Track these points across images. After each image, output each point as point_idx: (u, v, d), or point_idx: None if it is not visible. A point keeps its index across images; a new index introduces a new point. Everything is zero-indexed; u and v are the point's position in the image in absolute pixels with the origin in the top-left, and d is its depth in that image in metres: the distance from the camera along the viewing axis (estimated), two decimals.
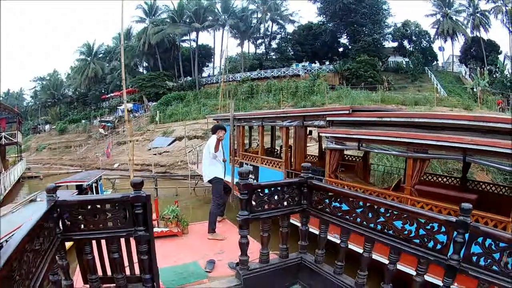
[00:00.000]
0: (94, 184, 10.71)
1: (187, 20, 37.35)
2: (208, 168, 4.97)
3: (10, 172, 15.60)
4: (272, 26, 39.85)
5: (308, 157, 9.24)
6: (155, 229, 4.66)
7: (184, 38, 40.20)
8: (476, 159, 4.05)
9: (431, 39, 35.39)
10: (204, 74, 44.00)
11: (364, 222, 2.36)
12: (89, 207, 2.28)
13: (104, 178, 14.81)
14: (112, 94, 40.48)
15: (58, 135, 37.72)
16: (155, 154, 22.45)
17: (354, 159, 8.16)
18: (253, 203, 2.54)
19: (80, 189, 10.67)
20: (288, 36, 39.50)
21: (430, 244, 2.03)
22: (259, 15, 38.27)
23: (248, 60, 38.69)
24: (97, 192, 11.10)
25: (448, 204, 4.31)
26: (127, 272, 2.52)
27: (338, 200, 2.53)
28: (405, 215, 2.14)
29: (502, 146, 3.69)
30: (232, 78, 35.47)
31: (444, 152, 4.34)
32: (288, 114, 7.43)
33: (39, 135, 42.13)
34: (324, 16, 36.21)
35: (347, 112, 5.73)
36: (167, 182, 16.17)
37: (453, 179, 6.44)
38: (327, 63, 36.33)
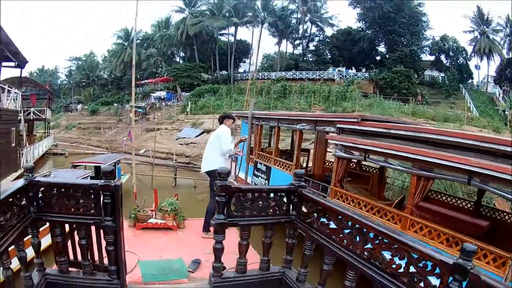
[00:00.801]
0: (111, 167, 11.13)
1: (226, 14, 38.08)
2: (218, 159, 4.71)
3: (35, 147, 16.54)
4: (311, 28, 39.94)
5: (327, 163, 9.10)
6: (150, 220, 4.71)
7: (223, 32, 40.87)
8: (481, 184, 3.89)
9: (468, 56, 34.70)
10: (240, 70, 44.47)
11: (351, 246, 2.12)
12: (62, 190, 2.29)
13: (124, 163, 15.42)
14: (146, 81, 41.95)
15: (89, 115, 39.67)
16: (181, 144, 23.06)
17: (370, 170, 7.99)
18: (233, 207, 2.41)
19: (98, 171, 11.19)
20: (326, 39, 39.46)
21: (421, 285, 1.73)
22: (299, 16, 38.43)
23: (284, 59, 38.90)
24: (113, 176, 11.52)
25: (455, 229, 4.20)
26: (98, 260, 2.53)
27: (327, 216, 2.34)
28: (395, 246, 1.85)
29: (507, 172, 3.46)
30: (267, 76, 35.80)
31: (448, 173, 4.21)
32: (302, 118, 7.57)
33: (70, 113, 44.37)
34: (363, 22, 36.29)
35: (356, 120, 5.76)
36: (188, 173, 16.55)
37: (467, 202, 6.22)
38: (364, 70, 36.10)
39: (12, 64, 13.02)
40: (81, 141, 32.50)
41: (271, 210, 2.60)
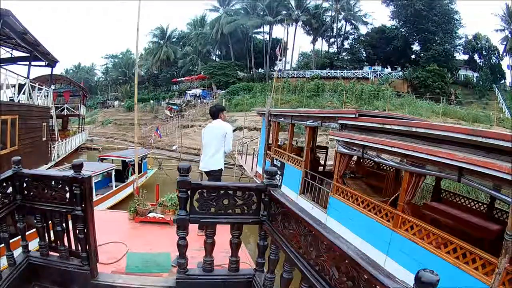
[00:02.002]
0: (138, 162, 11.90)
1: (260, 13, 38.71)
2: (223, 158, 4.70)
3: (67, 141, 17.91)
4: (345, 26, 40.03)
5: (350, 162, 9.22)
6: (150, 214, 4.98)
7: (258, 30, 41.49)
8: (470, 181, 3.81)
9: (500, 55, 33.56)
10: (276, 68, 44.71)
11: (305, 255, 1.96)
12: (41, 181, 2.58)
13: (152, 157, 16.29)
14: (182, 78, 43.53)
15: (125, 111, 41.84)
16: None
17: (387, 168, 8.03)
18: (196, 203, 2.48)
19: (124, 164, 11.98)
20: (361, 38, 39.38)
21: None
22: (332, 14, 38.56)
23: (320, 58, 38.96)
24: (140, 169, 12.30)
25: (464, 232, 4.25)
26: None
27: (288, 219, 2.34)
28: (346, 261, 1.54)
29: (496, 169, 3.37)
30: (302, 74, 35.85)
31: (437, 169, 4.24)
32: (310, 114, 7.89)
33: (107, 109, 47.03)
34: (397, 20, 36.35)
35: (353, 116, 5.97)
36: None
37: (480, 204, 6.11)
38: (399, 69, 35.91)
39: (43, 63, 14.19)
40: (116, 136, 34.52)
41: (239, 209, 2.59)
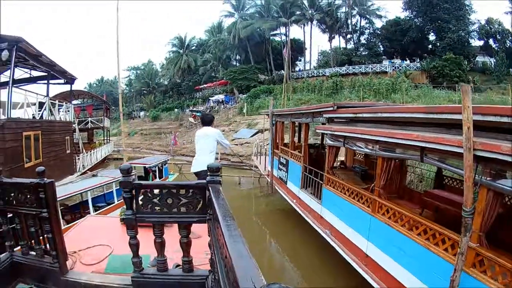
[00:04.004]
0: (158, 167, 12.65)
1: (275, 15, 39.21)
2: (211, 159, 5.08)
3: (92, 153, 19.10)
4: (360, 21, 40.05)
5: (357, 155, 9.67)
6: None
7: (275, 32, 42.06)
8: (431, 160, 3.83)
9: None
10: (297, 68, 44.93)
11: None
12: (16, 187, 3.04)
13: (172, 163, 17.14)
14: (204, 85, 44.64)
15: (150, 121, 43.56)
16: (236, 145, 24.48)
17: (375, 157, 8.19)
18: (141, 203, 2.63)
19: (146, 170, 12.82)
20: (377, 32, 39.26)
21: None
22: (346, 10, 38.71)
23: (338, 55, 39.03)
24: (161, 175, 13.08)
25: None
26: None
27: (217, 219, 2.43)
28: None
29: (450, 143, 3.37)
30: (321, 73, 35.76)
31: (402, 151, 4.27)
32: (304, 111, 8.28)
33: (132, 120, 49.08)
34: (409, 11, 36.40)
35: (332, 108, 6.28)
36: (235, 170, 18.24)
37: None
38: (417, 60, 35.40)
39: (61, 81, 15.37)
40: (142, 146, 35.99)
41: (185, 207, 2.66)
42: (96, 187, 9.39)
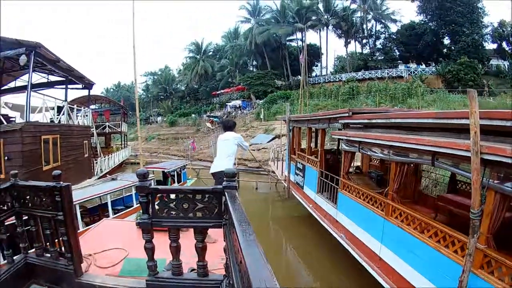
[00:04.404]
0: (177, 172, 12.85)
1: (290, 20, 39.28)
2: (229, 162, 5.15)
3: (110, 157, 19.39)
4: (375, 26, 39.93)
5: (373, 161, 9.76)
6: None
7: (291, 38, 42.06)
8: (442, 164, 3.97)
9: None
10: (313, 74, 44.81)
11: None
12: (32, 190, 3.03)
13: (190, 168, 17.30)
14: (222, 91, 45.05)
15: (168, 126, 43.99)
16: (253, 150, 24.53)
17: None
18: (157, 207, 2.63)
19: (164, 175, 12.96)
20: (392, 36, 39.11)
21: None
22: (361, 14, 38.73)
23: (354, 60, 38.96)
24: (179, 179, 13.22)
25: None
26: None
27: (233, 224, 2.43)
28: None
29: (458, 148, 3.50)
30: (338, 78, 35.56)
31: (416, 155, 4.44)
32: (320, 117, 8.51)
33: (150, 125, 49.67)
34: (424, 15, 36.23)
35: (347, 114, 6.48)
36: (252, 175, 18.69)
37: None
38: (432, 64, 35.10)
39: (79, 86, 15.70)
40: (160, 151, 36.37)
41: (200, 212, 2.65)
42: (115, 191, 9.51)
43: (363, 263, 5.69)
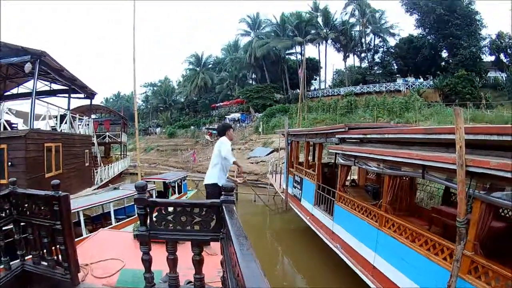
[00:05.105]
0: (177, 183, 12.97)
1: (290, 34, 39.87)
2: (218, 173, 4.81)
3: (109, 167, 19.38)
4: (374, 40, 40.45)
5: (370, 174, 9.85)
6: None
7: (290, 51, 42.59)
8: (431, 176, 4.18)
9: None
10: (312, 88, 45.24)
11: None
12: (30, 198, 3.05)
13: (190, 179, 17.30)
14: (221, 104, 45.32)
15: (167, 138, 44.03)
16: (252, 163, 24.56)
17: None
18: (155, 219, 2.62)
19: (165, 185, 12.99)
20: (390, 50, 39.52)
21: None
22: (360, 28, 39.27)
23: (353, 74, 39.44)
24: (180, 190, 13.23)
25: None
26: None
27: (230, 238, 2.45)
28: None
29: (446, 161, 3.68)
30: (336, 92, 35.88)
31: (407, 169, 4.64)
32: (317, 132, 8.74)
33: (149, 136, 49.77)
34: (422, 28, 36.50)
35: (343, 130, 6.72)
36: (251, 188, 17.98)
37: None
38: (430, 78, 35.50)
39: (81, 95, 15.80)
40: (159, 162, 36.25)
41: (198, 226, 2.64)
42: (118, 199, 9.58)
43: (358, 272, 5.90)
